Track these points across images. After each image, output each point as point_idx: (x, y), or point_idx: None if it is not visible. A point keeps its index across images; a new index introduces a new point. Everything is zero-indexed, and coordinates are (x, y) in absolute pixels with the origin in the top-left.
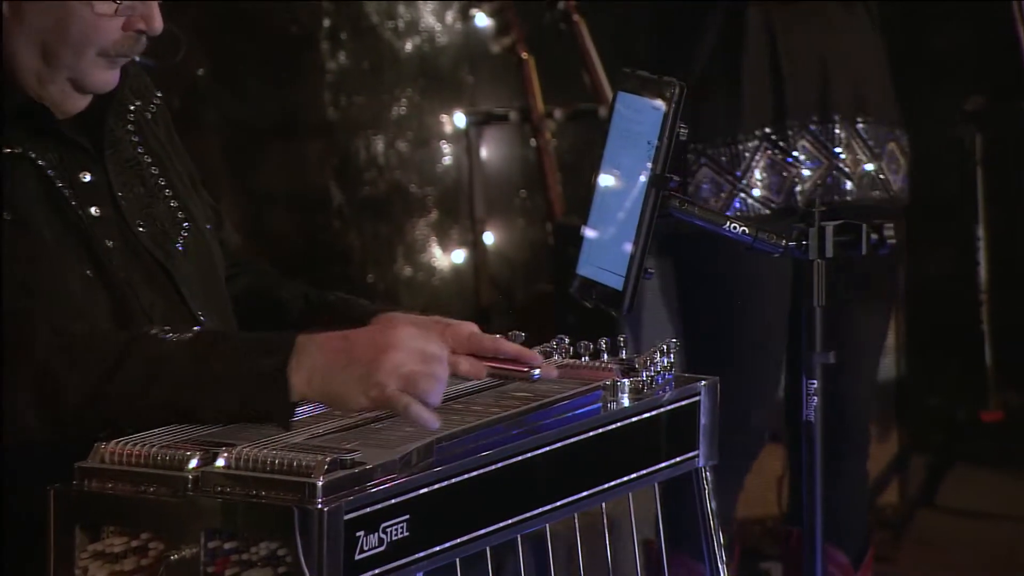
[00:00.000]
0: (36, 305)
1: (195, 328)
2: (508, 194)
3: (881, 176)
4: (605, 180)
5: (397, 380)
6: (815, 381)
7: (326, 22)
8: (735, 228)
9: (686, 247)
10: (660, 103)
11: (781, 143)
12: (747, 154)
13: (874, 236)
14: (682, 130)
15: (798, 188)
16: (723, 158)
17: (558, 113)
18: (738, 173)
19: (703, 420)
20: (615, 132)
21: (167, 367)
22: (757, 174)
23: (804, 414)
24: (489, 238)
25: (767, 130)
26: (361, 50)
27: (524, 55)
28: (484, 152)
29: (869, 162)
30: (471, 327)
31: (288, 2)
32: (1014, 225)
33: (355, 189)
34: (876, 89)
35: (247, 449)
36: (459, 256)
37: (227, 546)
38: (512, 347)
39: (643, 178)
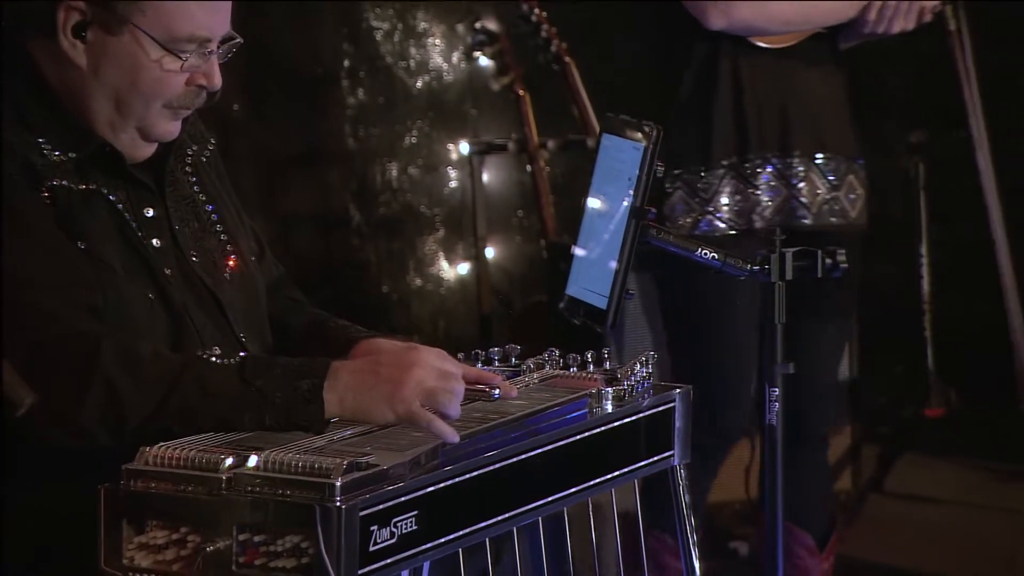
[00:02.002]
0: (104, 327)
1: (241, 353)
2: (507, 214)
3: (838, 205)
4: (591, 208)
5: (420, 395)
6: (776, 389)
7: (346, 62)
8: (705, 254)
9: (670, 263)
10: (639, 143)
11: (744, 174)
12: (715, 181)
13: (828, 261)
14: (658, 167)
15: (757, 213)
16: (695, 184)
17: (551, 143)
18: (706, 197)
19: (678, 424)
20: (600, 167)
21: (218, 388)
22: (723, 199)
23: (767, 418)
24: (490, 253)
25: (733, 160)
26: (377, 87)
27: (521, 92)
28: (486, 177)
29: (827, 192)
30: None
31: (312, 45)
32: (953, 243)
33: (371, 210)
34: (835, 127)
35: (274, 453)
36: (463, 269)
37: (256, 539)
38: (474, 371)
39: (625, 203)
